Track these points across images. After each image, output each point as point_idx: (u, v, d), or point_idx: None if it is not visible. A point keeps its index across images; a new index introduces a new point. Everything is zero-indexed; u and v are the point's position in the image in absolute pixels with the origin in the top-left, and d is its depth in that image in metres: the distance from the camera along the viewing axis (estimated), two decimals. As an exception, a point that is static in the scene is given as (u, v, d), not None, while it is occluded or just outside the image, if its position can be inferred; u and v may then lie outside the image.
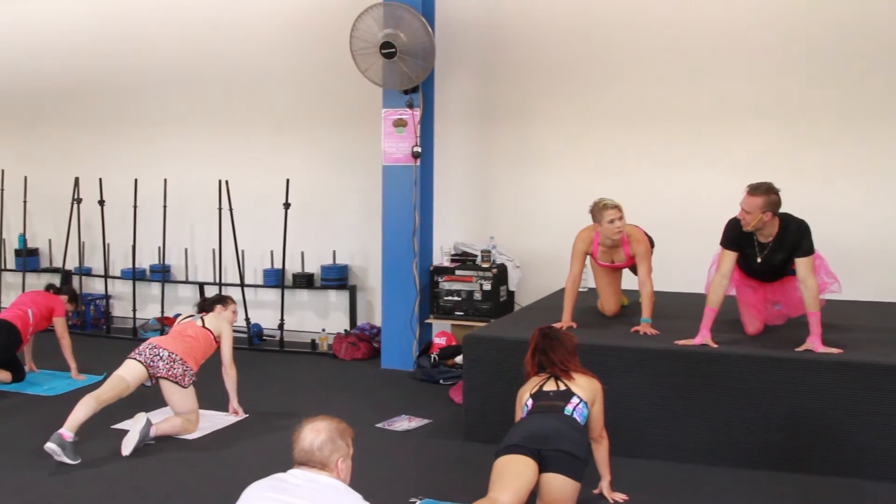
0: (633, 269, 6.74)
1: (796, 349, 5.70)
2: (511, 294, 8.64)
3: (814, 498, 5.23)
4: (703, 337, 5.84)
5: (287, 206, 9.16)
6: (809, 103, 8.01)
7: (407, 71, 7.99)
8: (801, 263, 5.83)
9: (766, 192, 5.72)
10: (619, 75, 8.47)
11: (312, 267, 9.51)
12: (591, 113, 8.58)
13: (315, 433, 3.54)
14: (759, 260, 6.03)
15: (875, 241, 7.85)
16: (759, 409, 5.63)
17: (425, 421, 6.67)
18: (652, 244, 6.82)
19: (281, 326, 9.25)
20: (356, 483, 3.62)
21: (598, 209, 6.43)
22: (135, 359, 6.20)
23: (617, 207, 6.41)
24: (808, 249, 5.84)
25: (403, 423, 6.60)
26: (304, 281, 9.41)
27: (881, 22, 7.77)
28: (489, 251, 8.42)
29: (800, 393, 5.57)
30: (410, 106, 8.22)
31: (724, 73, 8.19)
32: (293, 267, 9.54)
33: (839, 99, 7.95)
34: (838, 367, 5.52)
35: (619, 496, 5.09)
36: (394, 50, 7.89)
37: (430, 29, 7.94)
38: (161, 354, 6.20)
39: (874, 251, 7.82)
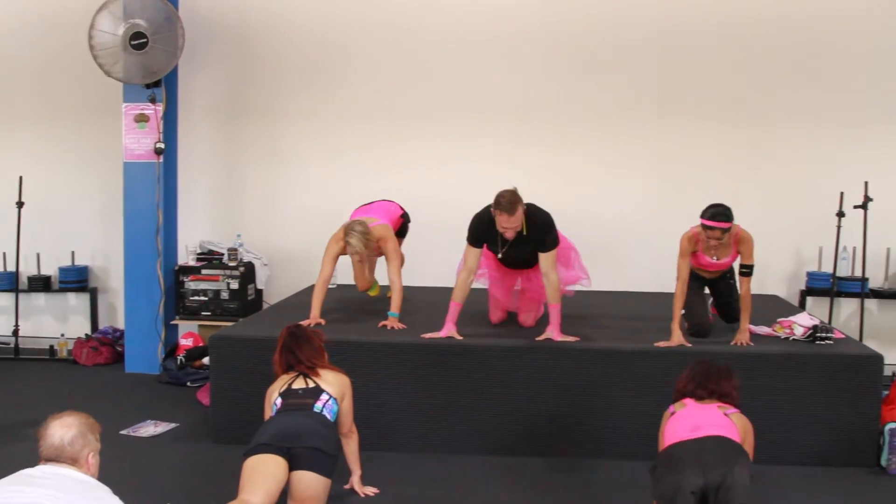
0: None
1: (536, 339, 5.99)
2: (259, 292, 8.55)
3: (559, 479, 5.51)
4: (449, 330, 6.00)
5: (20, 204, 8.68)
6: (554, 101, 8.42)
7: (150, 63, 7.76)
8: (544, 258, 6.06)
9: (518, 202, 5.83)
10: (370, 72, 8.55)
11: (50, 269, 9.05)
12: (340, 110, 8.61)
13: (65, 428, 3.45)
14: (499, 255, 6.24)
15: (611, 234, 8.32)
16: (504, 397, 5.87)
17: (172, 425, 6.51)
18: (405, 231, 7.06)
19: (16, 333, 8.76)
20: (100, 493, 3.49)
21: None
22: None
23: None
24: (551, 244, 6.06)
25: (149, 429, 6.41)
26: (41, 284, 8.94)
27: (611, 22, 8.28)
28: (236, 249, 8.30)
29: (541, 380, 5.86)
30: (153, 101, 7.99)
31: (476, 70, 8.45)
32: (28, 269, 9.05)
33: (588, 98, 8.42)
34: (575, 354, 5.86)
35: (370, 490, 5.16)
36: (145, 40, 7.65)
37: (177, 13, 7.79)
38: None
39: (610, 244, 8.26)
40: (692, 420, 4.32)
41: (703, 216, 5.93)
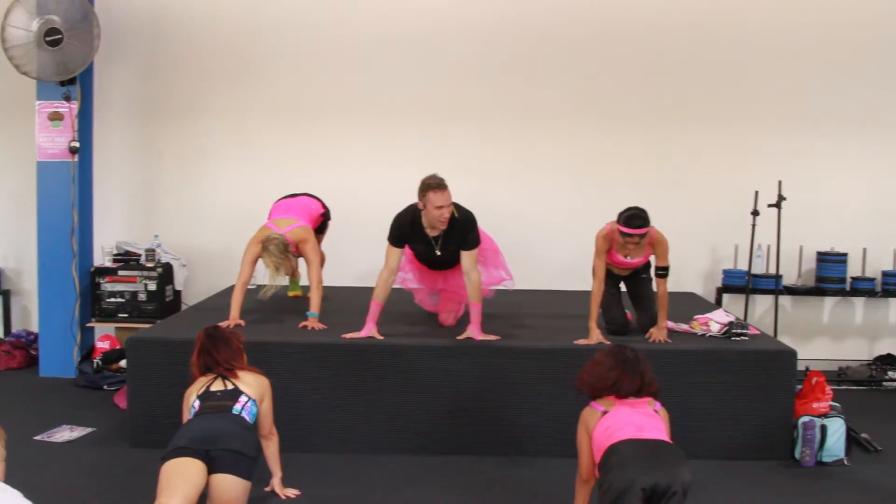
0: None
1: (457, 338, 6.00)
2: (178, 294, 8.44)
3: (481, 478, 5.53)
4: (370, 330, 5.99)
5: (-75, 206, 8.46)
6: (475, 101, 8.47)
7: (65, 60, 7.61)
8: (466, 256, 6.09)
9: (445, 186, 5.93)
10: (293, 71, 8.48)
11: (-41, 272, 8.86)
12: (261, 109, 8.53)
13: None
14: (437, 253, 6.25)
15: (530, 232, 8.38)
16: (425, 397, 5.88)
17: (89, 429, 6.39)
18: (325, 228, 7.08)
19: (-75, 336, 8.55)
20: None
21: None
22: None
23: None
24: (473, 243, 6.10)
25: (65, 434, 6.29)
26: (-51, 287, 8.75)
27: (531, 23, 8.35)
28: (154, 250, 8.19)
29: (462, 379, 5.88)
30: (68, 98, 7.84)
31: (398, 70, 8.45)
32: (-64, 272, 8.85)
33: (508, 98, 8.48)
34: (496, 353, 5.88)
35: (291, 492, 5.13)
36: (60, 37, 7.50)
37: (92, 9, 7.66)
38: None
39: (529, 242, 8.31)
40: (631, 419, 4.27)
41: (619, 221, 5.95)
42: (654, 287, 6.28)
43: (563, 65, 8.43)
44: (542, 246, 8.41)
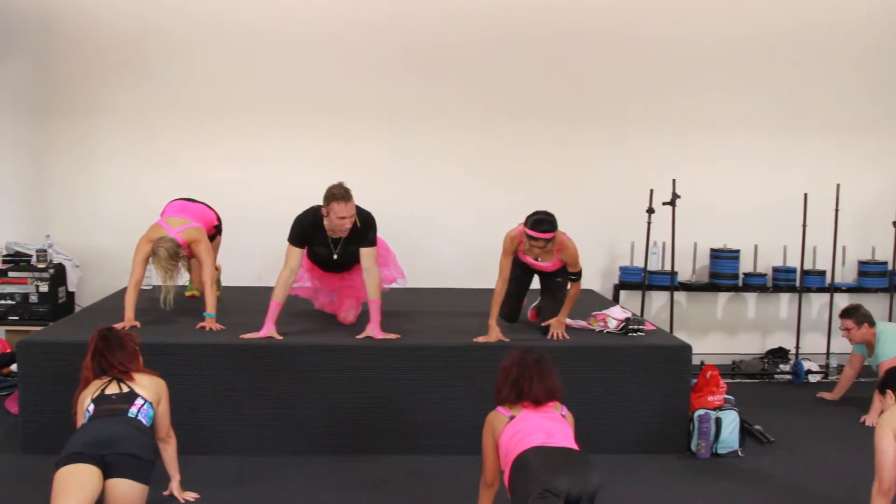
0: None
1: (357, 337, 5.99)
2: (71, 295, 8.25)
3: (382, 477, 5.53)
4: (269, 329, 5.94)
5: None
6: (373, 100, 8.43)
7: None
8: (366, 254, 6.11)
9: (350, 191, 5.95)
10: (188, 68, 8.33)
11: None
12: (156, 106, 8.35)
13: None
14: (335, 256, 6.22)
15: (431, 231, 8.40)
16: (325, 396, 5.86)
17: (-22, 436, 6.22)
18: (219, 228, 6.96)
19: None
20: None
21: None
22: None
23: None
24: (372, 241, 6.12)
25: (-48, 440, 6.11)
26: None
27: (428, 23, 8.40)
28: (45, 250, 7.98)
29: (362, 378, 5.88)
30: (-49, 96, 7.62)
31: (295, 69, 8.37)
32: None
33: (407, 97, 8.48)
34: (396, 352, 5.89)
35: (190, 495, 5.06)
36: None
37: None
38: None
39: (430, 241, 8.33)
40: (539, 424, 4.27)
41: (526, 224, 6.00)
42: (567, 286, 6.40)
43: (464, 64, 8.46)
44: (442, 244, 8.43)
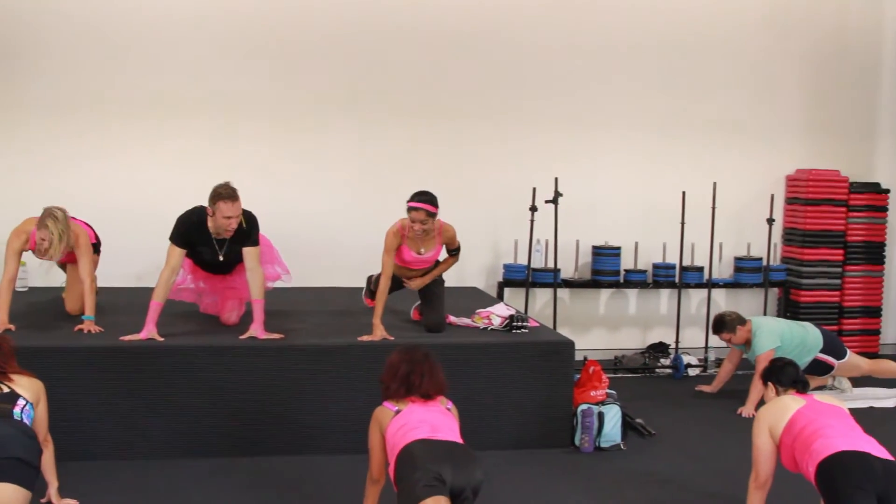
0: None
1: (240, 337, 5.92)
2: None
3: (268, 478, 5.47)
4: (149, 331, 5.82)
5: None
6: (256, 97, 8.32)
7: None
8: (249, 253, 6.05)
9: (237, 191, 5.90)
10: (56, 64, 8.03)
11: None
12: (30, 101, 8.03)
13: None
14: (220, 258, 6.15)
15: (313, 230, 8.30)
16: (209, 398, 5.77)
17: None
18: (98, 248, 6.71)
19: None
20: None
21: None
22: None
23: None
24: (255, 240, 6.07)
25: None
26: None
27: (311, 19, 8.34)
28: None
29: (246, 379, 5.81)
30: None
31: (166, 65, 8.17)
32: None
33: (289, 94, 8.39)
34: (280, 352, 5.84)
35: (69, 502, 4.91)
36: None
37: None
38: None
39: (313, 240, 8.25)
40: (425, 417, 4.30)
41: (409, 200, 6.13)
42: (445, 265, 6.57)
43: (347, 63, 8.41)
44: (325, 243, 8.34)
